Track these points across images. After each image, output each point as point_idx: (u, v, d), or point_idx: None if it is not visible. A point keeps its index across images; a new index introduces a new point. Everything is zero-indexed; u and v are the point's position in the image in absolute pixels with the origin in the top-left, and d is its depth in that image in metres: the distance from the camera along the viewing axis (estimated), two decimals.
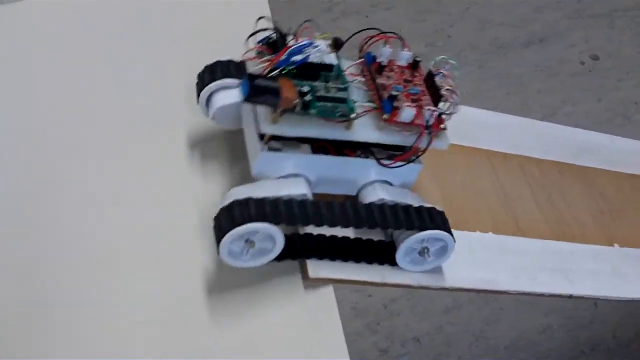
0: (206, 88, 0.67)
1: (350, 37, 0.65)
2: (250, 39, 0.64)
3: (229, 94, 0.67)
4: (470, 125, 0.92)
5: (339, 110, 0.62)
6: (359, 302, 1.21)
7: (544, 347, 1.21)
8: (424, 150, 0.65)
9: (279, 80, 0.59)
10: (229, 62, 0.67)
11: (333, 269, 0.65)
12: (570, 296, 0.78)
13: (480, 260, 0.75)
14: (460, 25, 1.74)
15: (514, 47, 1.72)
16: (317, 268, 0.66)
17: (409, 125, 0.64)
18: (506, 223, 0.81)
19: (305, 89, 0.61)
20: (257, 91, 0.58)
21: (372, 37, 0.66)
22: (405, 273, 0.68)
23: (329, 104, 0.62)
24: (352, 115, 0.62)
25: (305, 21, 0.61)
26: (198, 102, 0.68)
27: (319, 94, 0.62)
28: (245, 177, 0.64)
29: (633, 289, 0.83)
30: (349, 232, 0.67)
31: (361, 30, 0.65)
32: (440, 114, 0.64)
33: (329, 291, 0.65)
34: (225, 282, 0.64)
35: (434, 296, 1.21)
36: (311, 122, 0.61)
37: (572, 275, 0.80)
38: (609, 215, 0.92)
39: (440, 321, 1.21)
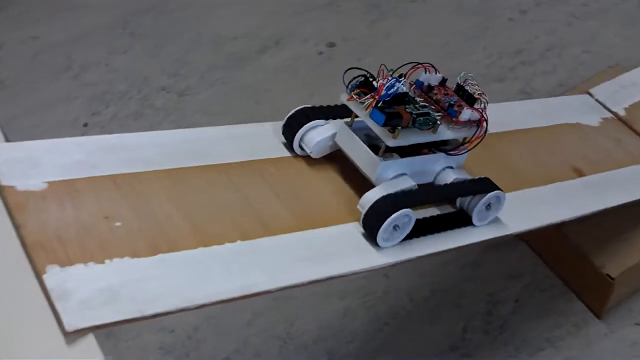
0: (300, 130, 0.96)
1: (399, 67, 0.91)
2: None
3: (323, 130, 0.96)
4: (205, 143, 0.95)
5: (429, 120, 0.89)
6: (163, 339, 1.23)
7: (348, 329, 1.26)
8: (483, 136, 0.93)
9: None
10: (309, 108, 0.97)
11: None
12: (330, 278, 0.82)
13: (235, 269, 0.78)
14: (196, 50, 1.78)
15: (251, 56, 1.77)
16: (76, 318, 0.67)
17: (467, 122, 0.93)
18: (253, 228, 0.85)
19: (409, 110, 0.88)
20: (389, 117, 0.86)
21: (414, 67, 0.92)
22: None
23: (422, 119, 0.88)
24: (438, 123, 0.90)
25: (381, 65, 0.88)
26: (287, 139, 0.97)
27: (414, 113, 0.88)
28: None
29: (385, 256, 0.88)
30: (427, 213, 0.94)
31: (403, 65, 0.91)
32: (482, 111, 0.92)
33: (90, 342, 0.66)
34: None
35: (230, 314, 1.24)
36: (414, 133, 0.89)
37: (327, 258, 0.84)
38: (350, 192, 0.97)
39: (244, 335, 1.24)
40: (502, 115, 1.25)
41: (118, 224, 0.79)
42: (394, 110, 0.86)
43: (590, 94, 1.48)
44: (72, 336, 0.67)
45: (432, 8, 1.95)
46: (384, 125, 0.86)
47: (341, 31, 1.86)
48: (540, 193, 1.12)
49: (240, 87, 1.70)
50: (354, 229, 0.89)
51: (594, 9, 1.97)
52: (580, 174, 1.22)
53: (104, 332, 0.70)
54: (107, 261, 0.74)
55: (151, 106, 1.65)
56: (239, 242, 0.82)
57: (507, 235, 0.98)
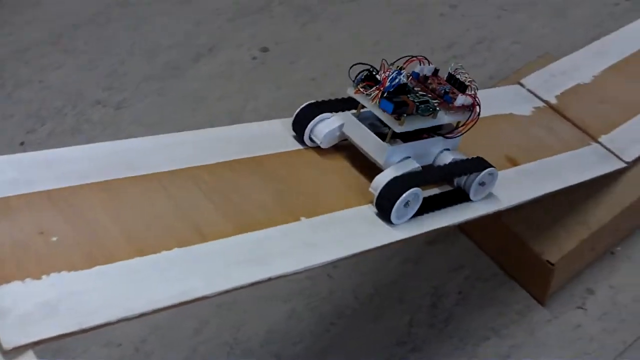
0: (310, 124, 1.05)
1: (395, 62, 1.02)
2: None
3: (330, 122, 1.05)
4: (139, 153, 0.95)
5: (430, 107, 0.99)
6: (111, 353, 1.23)
7: (295, 331, 1.27)
8: (477, 120, 1.04)
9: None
10: (316, 103, 1.06)
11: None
12: (269, 279, 0.83)
13: (172, 277, 0.79)
14: (131, 61, 1.77)
15: (185, 64, 1.77)
16: (14, 335, 0.68)
17: (462, 107, 1.03)
18: (189, 235, 0.85)
19: (412, 99, 0.98)
20: (397, 105, 0.96)
21: (409, 60, 1.03)
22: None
23: (424, 106, 0.98)
24: (437, 109, 1.00)
25: (382, 59, 0.99)
26: (297, 133, 1.07)
27: (416, 101, 0.98)
28: None
29: (325, 253, 0.90)
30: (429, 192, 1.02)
31: (400, 58, 1.01)
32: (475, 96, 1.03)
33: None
34: None
35: (177, 324, 1.24)
36: (417, 119, 0.99)
37: (267, 259, 0.85)
38: (289, 193, 0.98)
39: (192, 344, 1.24)
40: None
41: (54, 238, 0.80)
42: (400, 99, 0.97)
43: (522, 84, 1.50)
44: (11, 354, 0.67)
45: (362, 7, 1.97)
46: (392, 113, 0.96)
47: (274, 36, 1.87)
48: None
49: (176, 96, 1.70)
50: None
51: (522, 2, 2.01)
52: (514, 163, 1.24)
53: (50, 349, 0.70)
54: (44, 276, 0.74)
55: (88, 121, 1.65)
56: (175, 249, 0.83)
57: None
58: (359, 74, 1.00)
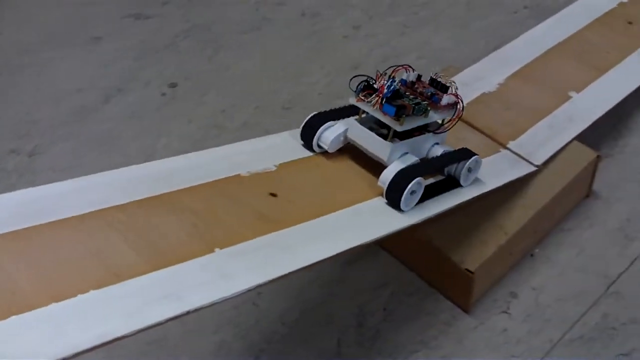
0: (318, 131, 1.22)
1: (385, 71, 1.20)
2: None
3: (335, 129, 1.23)
4: (49, 200, 0.96)
5: (422, 108, 1.18)
6: None
7: None
8: (461, 115, 1.23)
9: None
10: (319, 114, 1.24)
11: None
12: (187, 312, 0.84)
13: (90, 319, 0.79)
14: (41, 108, 1.77)
15: (96, 106, 1.77)
16: None
17: (447, 105, 1.22)
18: (104, 276, 0.86)
19: (407, 101, 1.17)
20: (398, 108, 1.15)
21: (396, 69, 1.22)
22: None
23: (417, 107, 1.17)
24: (428, 109, 1.19)
25: (377, 70, 1.19)
26: (305, 141, 1.24)
27: (411, 103, 1.17)
28: None
29: (241, 282, 0.92)
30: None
31: (395, 67, 1.22)
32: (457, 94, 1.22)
33: None
34: None
35: None
36: (413, 119, 1.18)
37: (182, 294, 0.86)
38: (203, 225, 0.99)
39: None
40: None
41: None
42: (399, 102, 1.15)
43: None
44: None
45: (267, 36, 1.99)
46: (395, 115, 1.14)
47: (182, 70, 1.88)
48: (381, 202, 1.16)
49: (89, 139, 1.70)
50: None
51: (424, 17, 2.04)
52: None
53: None
54: None
55: (2, 170, 1.64)
56: (91, 291, 0.83)
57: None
58: (358, 85, 1.19)
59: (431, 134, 1.23)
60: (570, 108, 1.55)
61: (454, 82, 1.23)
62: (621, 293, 1.40)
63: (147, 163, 1.14)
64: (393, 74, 1.18)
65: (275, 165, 1.17)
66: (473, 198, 1.25)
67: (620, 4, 1.89)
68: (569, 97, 1.55)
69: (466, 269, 1.30)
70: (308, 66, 1.88)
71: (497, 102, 1.56)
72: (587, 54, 1.71)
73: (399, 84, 1.20)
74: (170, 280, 0.88)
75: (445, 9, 2.07)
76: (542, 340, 1.32)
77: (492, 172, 1.34)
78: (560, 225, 1.52)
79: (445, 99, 1.22)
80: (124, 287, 0.85)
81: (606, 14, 1.86)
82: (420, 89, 1.23)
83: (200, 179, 1.09)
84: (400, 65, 1.22)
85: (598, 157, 1.50)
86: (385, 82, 1.16)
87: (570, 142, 1.48)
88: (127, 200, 1.00)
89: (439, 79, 1.23)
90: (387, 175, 1.14)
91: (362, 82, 1.19)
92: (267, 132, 1.33)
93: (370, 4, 2.07)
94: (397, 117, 1.15)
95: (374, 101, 1.17)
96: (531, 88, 1.59)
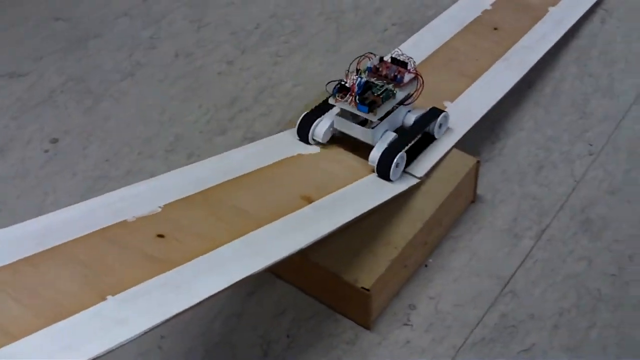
0: (311, 127, 1.48)
1: (353, 62, 1.47)
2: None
3: (323, 123, 1.49)
4: None
5: (390, 93, 1.43)
6: None
7: None
8: (423, 85, 1.48)
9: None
10: (312, 110, 1.50)
11: None
12: None
13: None
14: None
15: None
16: None
17: (409, 81, 1.46)
18: None
19: (376, 93, 1.42)
20: (370, 105, 1.39)
21: (361, 57, 1.46)
22: None
23: (385, 94, 1.42)
24: (394, 91, 1.43)
25: (346, 70, 1.44)
26: (301, 137, 1.50)
27: (379, 94, 1.41)
28: None
29: (135, 327, 0.94)
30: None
31: (360, 56, 1.47)
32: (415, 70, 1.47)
33: None
34: None
35: None
36: (384, 105, 1.43)
37: (77, 346, 0.87)
38: (93, 274, 1.00)
39: None
40: (224, 165, 1.32)
41: None
42: (369, 99, 1.40)
43: None
44: None
45: (141, 82, 2.00)
46: (368, 112, 1.39)
47: (62, 125, 1.88)
48: (275, 229, 1.18)
49: None
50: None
51: (295, 44, 2.08)
52: (309, 201, 1.30)
53: None
54: None
55: None
56: None
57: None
58: (334, 87, 1.43)
59: (402, 106, 1.48)
60: None
61: (411, 58, 1.47)
62: (516, 291, 1.46)
63: (33, 219, 1.15)
64: (358, 66, 1.44)
65: (160, 207, 1.18)
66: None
67: (485, 12, 1.96)
68: (444, 107, 1.59)
69: (362, 287, 1.34)
70: (186, 106, 1.90)
71: None
72: (458, 62, 1.77)
73: (366, 72, 1.45)
74: (64, 334, 0.89)
75: (316, 34, 2.11)
76: (446, 347, 1.37)
77: (376, 188, 1.38)
78: (450, 232, 1.57)
79: (407, 77, 1.45)
80: (18, 346, 0.86)
81: (472, 22, 1.93)
82: (384, 72, 1.46)
83: (87, 229, 1.10)
84: (362, 55, 1.46)
85: (478, 162, 1.55)
86: (354, 79, 1.41)
87: (450, 151, 1.52)
88: (15, 259, 1.00)
89: (399, 57, 1.46)
90: (375, 155, 1.42)
91: (335, 85, 1.43)
92: (153, 176, 1.34)
93: (241, 38, 2.10)
94: (371, 110, 1.39)
95: (349, 100, 1.41)
96: None
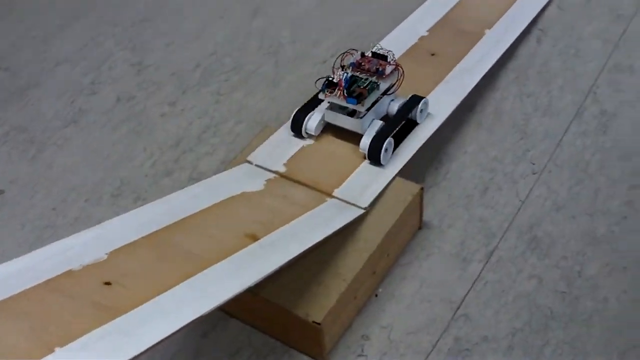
0: (304, 122, 1.63)
1: (337, 58, 1.64)
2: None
3: (315, 117, 1.64)
4: None
5: (374, 85, 1.59)
6: None
7: None
8: (403, 75, 1.63)
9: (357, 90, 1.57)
10: (303, 106, 1.66)
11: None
12: None
13: None
14: None
15: None
16: None
17: (390, 73, 1.62)
18: None
19: (361, 86, 1.57)
20: (358, 98, 1.56)
21: (344, 54, 1.63)
22: None
23: (370, 86, 1.58)
24: (378, 83, 1.59)
25: (333, 67, 1.61)
26: (296, 132, 1.66)
27: (364, 86, 1.57)
28: None
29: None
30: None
31: (342, 53, 1.64)
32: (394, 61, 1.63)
33: None
34: None
35: None
36: (370, 97, 1.58)
37: None
38: (40, 327, 1.01)
39: None
40: (169, 208, 1.33)
41: None
42: (356, 91, 1.57)
43: (249, 161, 1.58)
44: None
45: (84, 128, 2.00)
46: (356, 104, 1.55)
47: (6, 175, 1.88)
48: (221, 268, 1.20)
49: None
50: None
51: (236, 81, 2.10)
52: (255, 238, 1.31)
53: None
54: None
55: None
56: None
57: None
58: (322, 84, 1.60)
59: (385, 95, 1.64)
60: None
61: (390, 51, 1.64)
62: (468, 314, 1.48)
63: None
64: (342, 63, 1.61)
65: (107, 254, 1.19)
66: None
67: (421, 38, 2.00)
68: None
69: (313, 321, 1.35)
70: (130, 150, 1.91)
71: (317, 153, 1.64)
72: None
73: (350, 67, 1.61)
74: None
75: (255, 70, 2.13)
76: None
77: (321, 221, 1.40)
78: (399, 261, 1.59)
79: (388, 69, 1.62)
80: None
81: (410, 48, 1.95)
82: (367, 66, 1.63)
83: (33, 281, 1.11)
84: (345, 52, 1.63)
85: (422, 189, 1.57)
86: (340, 75, 1.57)
87: (393, 179, 1.55)
88: None
89: (378, 52, 1.64)
90: (365, 143, 1.57)
91: (324, 82, 1.59)
92: (100, 222, 1.35)
93: (181, 79, 2.11)
94: (359, 102, 1.55)
95: (338, 94, 1.56)
96: (344, 134, 1.68)
